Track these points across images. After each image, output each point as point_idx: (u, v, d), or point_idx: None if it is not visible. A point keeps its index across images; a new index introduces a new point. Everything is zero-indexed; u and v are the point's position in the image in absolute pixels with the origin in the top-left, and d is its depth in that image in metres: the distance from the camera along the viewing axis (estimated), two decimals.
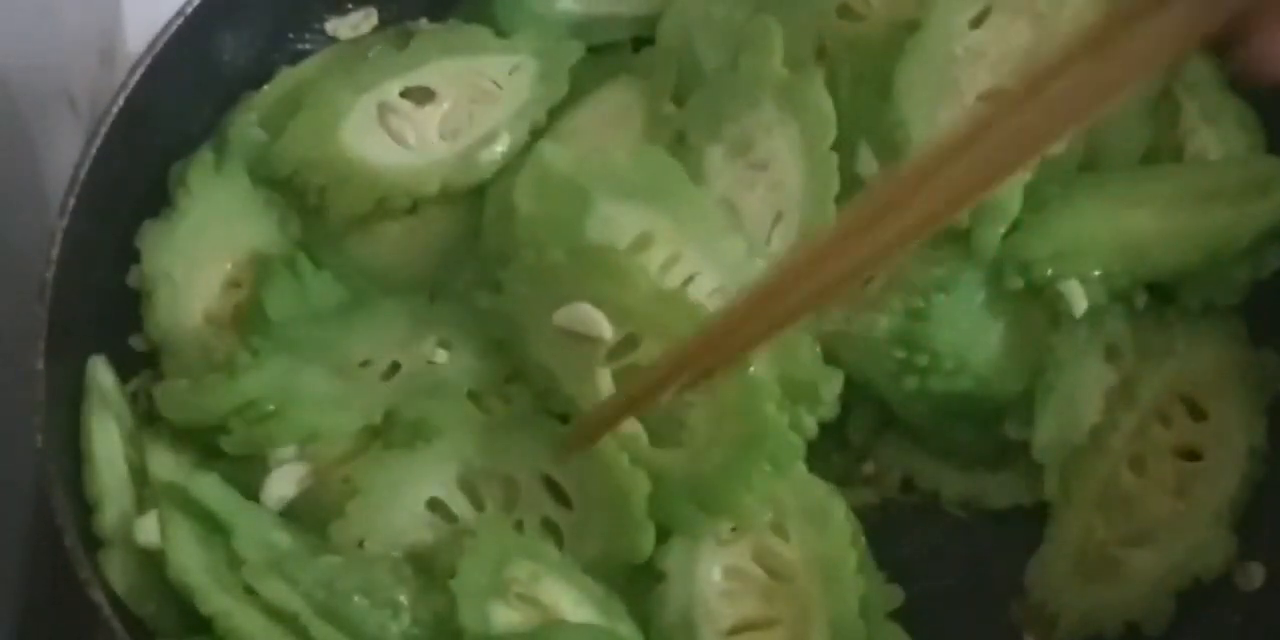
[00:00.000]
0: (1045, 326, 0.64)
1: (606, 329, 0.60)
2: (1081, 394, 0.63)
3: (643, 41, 0.72)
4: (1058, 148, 0.62)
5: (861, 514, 0.63)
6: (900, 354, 0.62)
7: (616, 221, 0.63)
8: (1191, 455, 0.63)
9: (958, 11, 0.65)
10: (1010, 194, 0.62)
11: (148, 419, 0.65)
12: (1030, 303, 0.64)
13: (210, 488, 0.61)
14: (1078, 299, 0.63)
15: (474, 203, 0.69)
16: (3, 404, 0.66)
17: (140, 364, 0.68)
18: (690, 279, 0.63)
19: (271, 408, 0.62)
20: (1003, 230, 0.63)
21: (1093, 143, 0.65)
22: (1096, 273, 0.63)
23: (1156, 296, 0.65)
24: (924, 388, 0.62)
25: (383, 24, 0.75)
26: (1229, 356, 0.64)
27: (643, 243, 0.63)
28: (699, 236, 0.63)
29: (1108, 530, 0.62)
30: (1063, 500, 0.62)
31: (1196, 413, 0.63)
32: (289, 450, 0.64)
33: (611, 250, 0.62)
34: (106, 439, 0.63)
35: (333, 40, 0.75)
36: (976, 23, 0.65)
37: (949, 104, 0.64)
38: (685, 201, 0.63)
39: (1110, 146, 0.65)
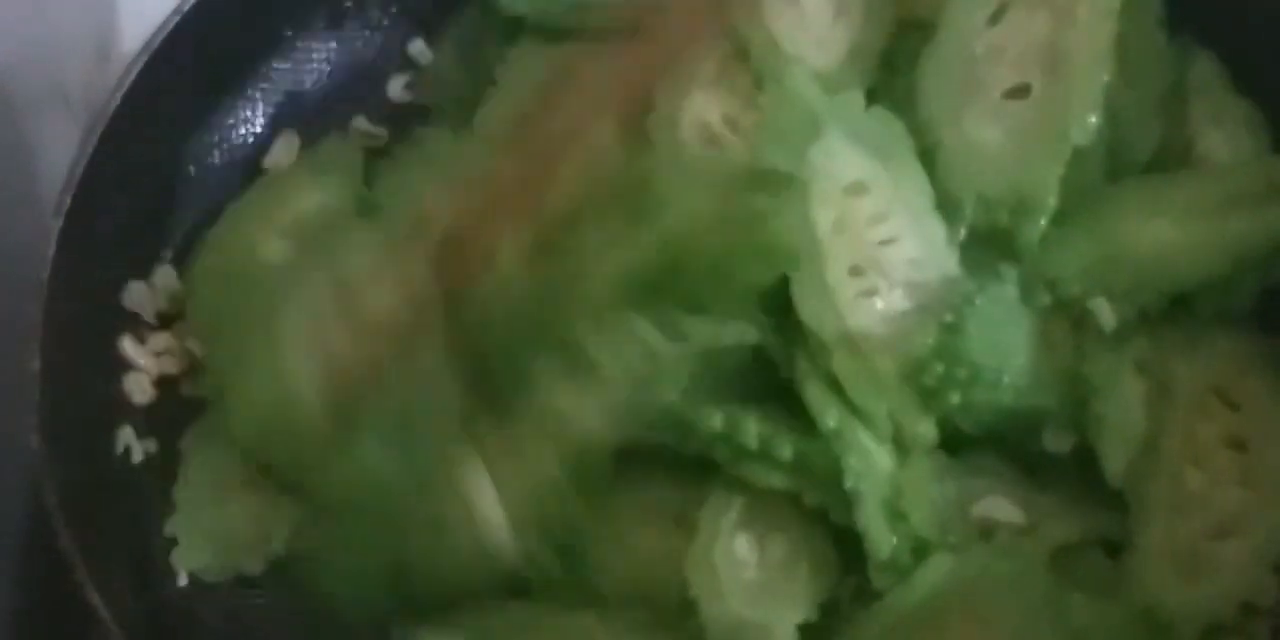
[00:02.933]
0: (1070, 336, 0.64)
1: None
2: (1129, 414, 0.62)
3: None
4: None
5: None
6: (940, 368, 0.61)
7: (839, 159, 0.62)
8: (1241, 445, 0.62)
9: (974, 9, 0.65)
10: (1047, 188, 0.62)
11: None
12: (1055, 313, 0.64)
13: None
14: (1106, 316, 0.63)
15: None
16: None
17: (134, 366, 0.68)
18: (890, 241, 0.62)
19: None
20: (1044, 223, 0.62)
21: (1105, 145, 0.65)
22: (1124, 289, 0.63)
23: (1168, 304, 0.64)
24: (967, 401, 0.61)
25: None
26: (1243, 345, 0.64)
27: (857, 189, 0.62)
28: (910, 205, 0.62)
29: (1190, 530, 0.61)
30: (1139, 509, 0.62)
31: (1230, 403, 0.63)
32: None
33: None
34: None
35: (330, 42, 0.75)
36: (994, 19, 0.65)
37: (975, 103, 0.63)
38: (905, 168, 0.63)
39: (1120, 148, 0.65)
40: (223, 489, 0.66)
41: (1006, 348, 0.62)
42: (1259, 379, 0.63)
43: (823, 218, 0.62)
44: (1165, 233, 0.63)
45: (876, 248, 0.62)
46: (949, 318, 0.61)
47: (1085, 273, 0.63)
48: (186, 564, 0.66)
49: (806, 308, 0.61)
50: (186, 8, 0.67)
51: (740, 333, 0.61)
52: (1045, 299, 0.63)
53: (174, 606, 0.65)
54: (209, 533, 0.66)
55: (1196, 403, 0.63)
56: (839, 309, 0.61)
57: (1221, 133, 0.66)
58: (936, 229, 0.63)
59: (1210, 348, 0.64)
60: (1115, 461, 0.62)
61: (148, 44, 0.66)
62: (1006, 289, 0.63)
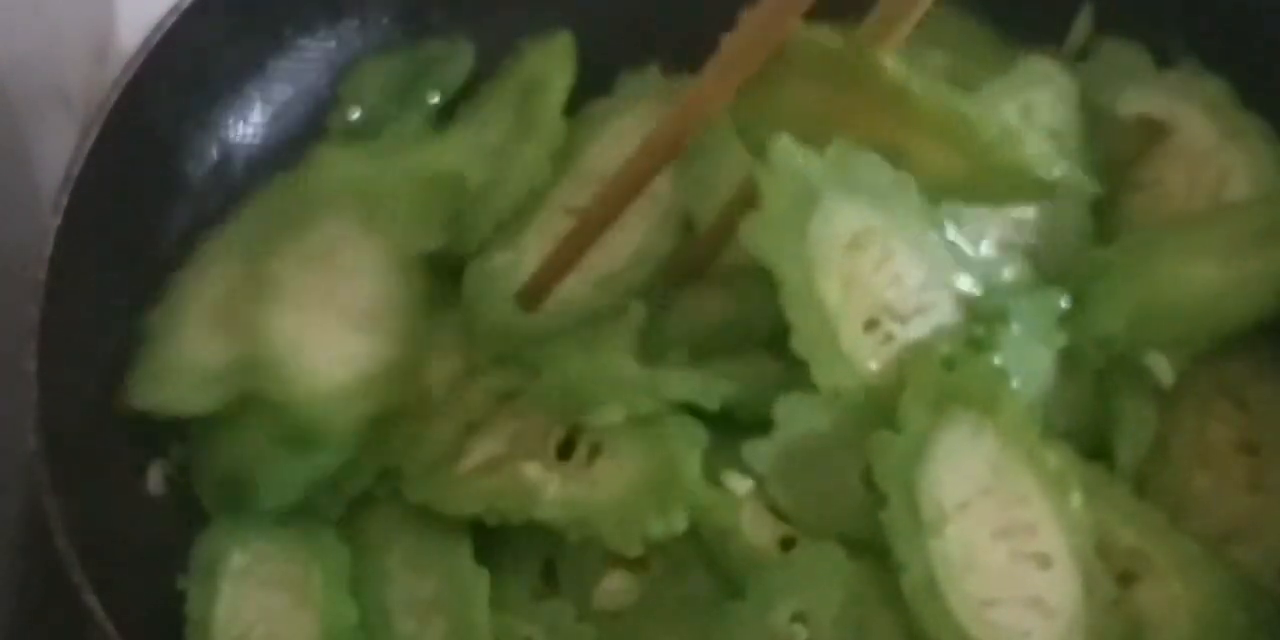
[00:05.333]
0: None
1: None
2: (1141, 414, 0.62)
3: None
4: None
5: None
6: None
7: (838, 218, 0.60)
8: (1251, 449, 0.62)
9: None
10: None
11: None
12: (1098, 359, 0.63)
13: None
14: (1164, 372, 0.62)
15: None
16: None
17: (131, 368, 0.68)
18: (896, 278, 0.61)
19: None
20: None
21: None
22: (1175, 337, 0.62)
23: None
24: None
25: None
26: (1256, 348, 0.63)
27: (859, 242, 0.61)
28: (908, 232, 0.61)
29: (1196, 533, 0.60)
30: None
31: (1240, 405, 0.63)
32: None
33: None
34: None
35: (330, 41, 0.75)
36: None
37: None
38: (898, 200, 0.61)
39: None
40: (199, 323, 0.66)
41: (1033, 366, 0.61)
42: (1271, 383, 0.63)
43: (830, 288, 0.60)
44: (1208, 273, 0.62)
45: (885, 291, 0.61)
46: (980, 332, 0.61)
47: (1134, 325, 0.62)
48: (139, 398, 0.65)
49: (824, 377, 0.59)
50: (184, 7, 0.67)
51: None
52: (1100, 361, 0.62)
53: (172, 608, 0.64)
54: (169, 365, 0.65)
55: (1207, 405, 0.63)
56: (857, 370, 0.60)
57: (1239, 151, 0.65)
58: (934, 239, 0.61)
59: (1222, 351, 0.63)
60: (1126, 460, 0.62)
61: (146, 43, 0.66)
62: (1035, 306, 0.62)
